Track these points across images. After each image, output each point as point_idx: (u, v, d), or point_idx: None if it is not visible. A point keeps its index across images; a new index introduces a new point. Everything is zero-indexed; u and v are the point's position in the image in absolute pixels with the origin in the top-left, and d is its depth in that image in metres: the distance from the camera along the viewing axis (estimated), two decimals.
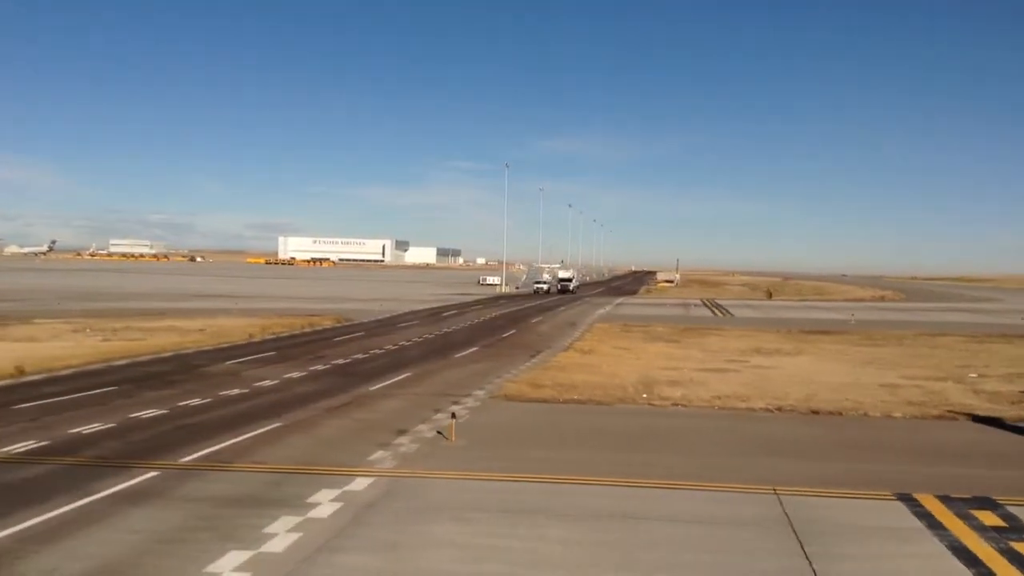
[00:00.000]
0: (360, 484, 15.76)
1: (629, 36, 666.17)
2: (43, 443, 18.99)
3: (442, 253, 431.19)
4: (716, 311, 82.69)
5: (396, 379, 30.44)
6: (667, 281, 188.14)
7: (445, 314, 69.60)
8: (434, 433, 20.63)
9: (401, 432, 20.75)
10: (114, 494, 15.01)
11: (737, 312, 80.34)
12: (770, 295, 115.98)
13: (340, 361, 35.57)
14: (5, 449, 18.33)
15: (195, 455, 18.04)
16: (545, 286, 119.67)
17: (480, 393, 27.37)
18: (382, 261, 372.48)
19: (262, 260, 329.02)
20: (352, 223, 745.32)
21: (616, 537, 12.98)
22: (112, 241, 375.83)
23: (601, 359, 37.58)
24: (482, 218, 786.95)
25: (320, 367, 33.57)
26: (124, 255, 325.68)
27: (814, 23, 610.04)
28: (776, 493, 15.35)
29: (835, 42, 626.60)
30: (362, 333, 49.38)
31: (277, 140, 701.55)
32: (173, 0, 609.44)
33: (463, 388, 28.50)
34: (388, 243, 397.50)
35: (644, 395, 27.31)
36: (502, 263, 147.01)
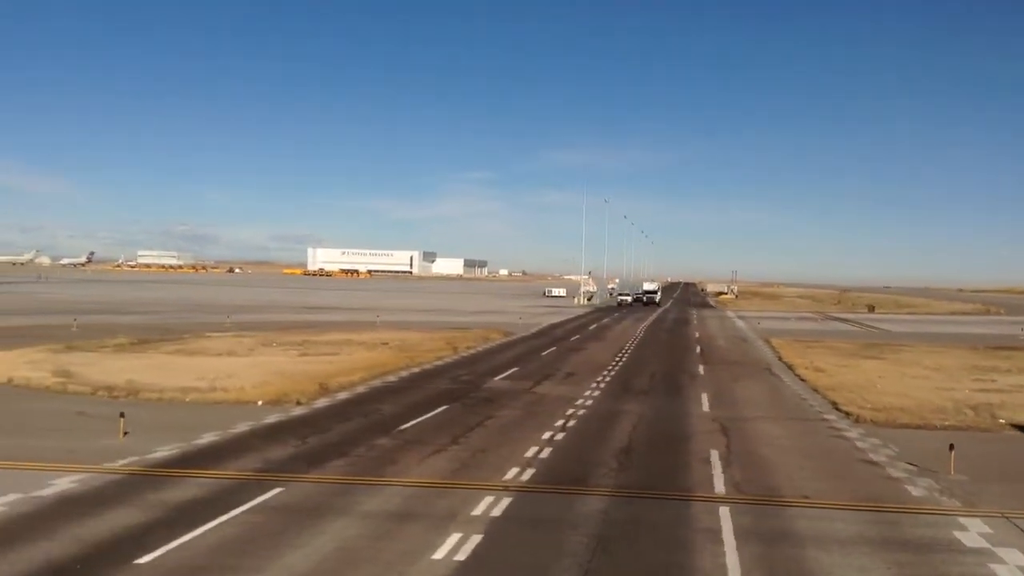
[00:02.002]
0: (976, 525, 14.35)
1: (639, 46, 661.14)
2: (529, 470, 17.69)
3: (468, 264, 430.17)
4: (858, 325, 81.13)
5: (703, 398, 29.22)
6: (722, 293, 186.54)
7: (591, 327, 68.35)
8: (904, 463, 19.20)
9: (868, 463, 19.39)
10: (740, 532, 13.60)
11: (884, 326, 78.71)
12: (872, 308, 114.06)
13: (599, 378, 34.38)
14: (506, 478, 16.96)
15: (715, 491, 16.64)
16: (629, 298, 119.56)
17: (832, 417, 26.01)
18: (410, 272, 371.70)
19: (299, 271, 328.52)
20: (369, 234, 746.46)
21: None
22: (140, 252, 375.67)
23: (851, 378, 36.01)
24: (497, 229, 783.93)
25: (596, 382, 32.49)
26: (161, 266, 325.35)
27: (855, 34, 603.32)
28: None
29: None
30: (554, 348, 48.06)
31: (290, 151, 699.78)
32: (187, 10, 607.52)
33: (794, 411, 27.46)
34: (416, 255, 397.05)
35: (1001, 420, 25.93)
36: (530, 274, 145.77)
